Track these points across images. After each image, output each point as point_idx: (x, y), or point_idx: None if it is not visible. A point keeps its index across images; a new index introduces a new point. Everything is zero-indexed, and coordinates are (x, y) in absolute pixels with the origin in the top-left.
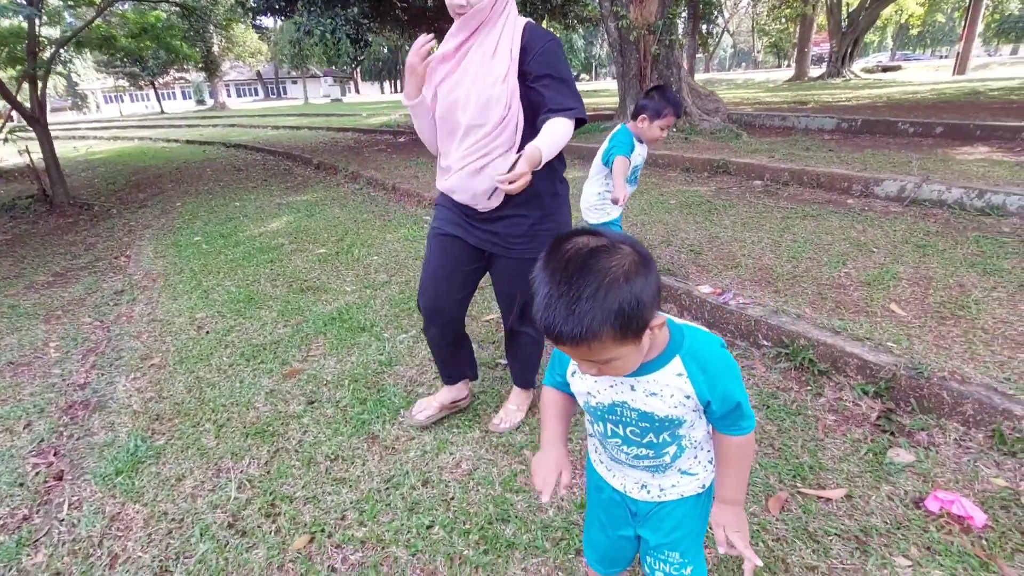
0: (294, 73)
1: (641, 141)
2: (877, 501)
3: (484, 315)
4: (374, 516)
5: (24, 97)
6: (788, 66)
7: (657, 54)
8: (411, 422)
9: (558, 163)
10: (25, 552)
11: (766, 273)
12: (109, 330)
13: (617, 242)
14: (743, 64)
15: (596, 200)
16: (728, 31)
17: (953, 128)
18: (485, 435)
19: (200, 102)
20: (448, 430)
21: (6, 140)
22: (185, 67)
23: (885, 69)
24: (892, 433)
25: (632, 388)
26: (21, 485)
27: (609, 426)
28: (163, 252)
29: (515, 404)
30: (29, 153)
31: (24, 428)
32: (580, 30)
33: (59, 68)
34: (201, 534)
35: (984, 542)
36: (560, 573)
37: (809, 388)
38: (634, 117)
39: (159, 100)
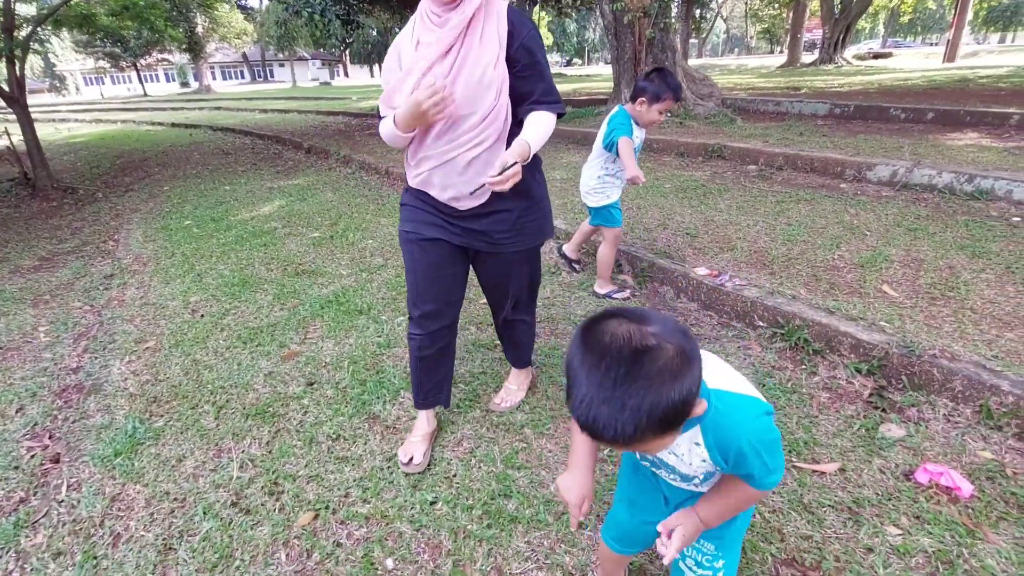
0: (281, 56)
1: (638, 124)
2: (869, 474)
3: (481, 297)
4: (377, 493)
5: (1, 78)
6: (781, 52)
7: (652, 37)
8: (408, 471)
9: (539, 153)
10: (24, 533)
11: (761, 256)
12: (100, 314)
13: (662, 337)
14: (736, 50)
15: (596, 183)
16: (722, 16)
17: (944, 114)
18: (486, 414)
19: (184, 84)
20: (449, 410)
21: None
22: (168, 48)
23: (876, 56)
24: (884, 409)
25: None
26: (16, 468)
27: (646, 464)
28: (153, 236)
29: (515, 384)
30: (9, 135)
31: (16, 412)
32: (573, 14)
33: (35, 47)
34: (204, 513)
35: (971, 511)
36: (562, 546)
37: (804, 367)
38: (632, 99)
39: (142, 82)
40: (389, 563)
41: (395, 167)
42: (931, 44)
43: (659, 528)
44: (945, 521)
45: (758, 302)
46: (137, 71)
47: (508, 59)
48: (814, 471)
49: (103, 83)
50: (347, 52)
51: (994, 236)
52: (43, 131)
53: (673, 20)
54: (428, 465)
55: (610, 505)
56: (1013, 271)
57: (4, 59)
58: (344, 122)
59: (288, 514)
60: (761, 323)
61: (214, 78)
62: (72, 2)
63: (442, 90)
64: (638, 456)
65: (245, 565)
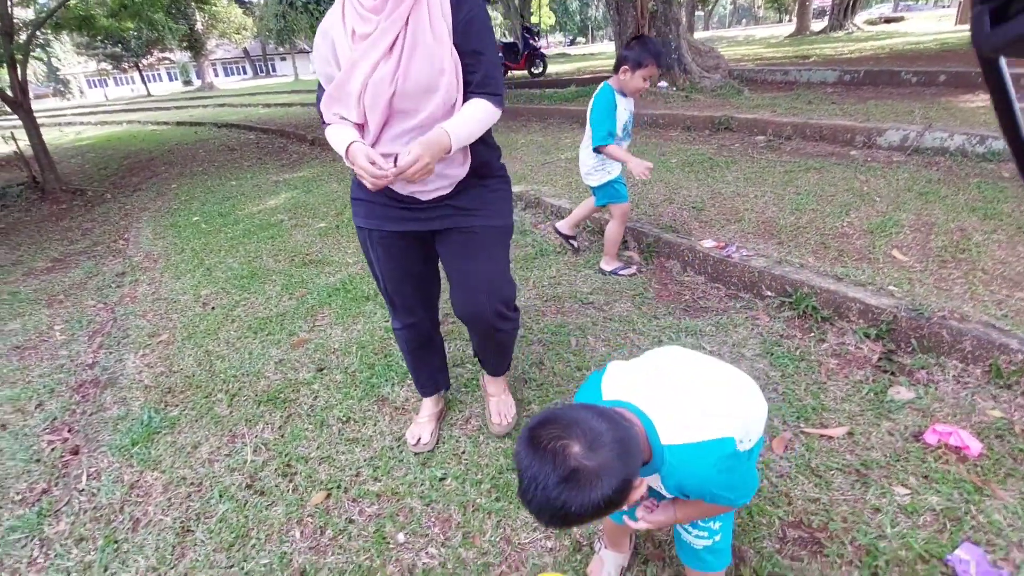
0: (282, 49)
1: (625, 94)
2: (878, 437)
3: None
4: (388, 471)
5: (4, 83)
6: (789, 21)
7: (655, 11)
8: (417, 451)
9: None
10: (47, 522)
11: (769, 226)
12: (114, 311)
13: (585, 458)
14: (743, 21)
15: (594, 162)
16: None
17: (955, 76)
18: None
19: (187, 83)
20: (456, 390)
21: None
22: (169, 47)
23: (888, 20)
24: (893, 373)
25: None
26: (38, 461)
27: None
28: (162, 233)
29: (499, 392)
30: (15, 140)
31: (36, 408)
32: None
33: (37, 52)
34: (220, 495)
35: (979, 469)
36: None
37: (812, 334)
38: (615, 70)
39: (145, 82)
40: (400, 537)
41: None
42: (943, 7)
43: (637, 516)
44: (953, 480)
45: (766, 272)
46: (140, 71)
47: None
48: (822, 436)
49: (106, 85)
50: None
51: (1006, 197)
52: (50, 135)
53: None
54: (436, 444)
55: None
56: None
57: (5, 64)
58: None
59: (301, 494)
60: (769, 293)
61: (216, 75)
62: (70, 3)
63: (385, 177)
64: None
65: (261, 543)
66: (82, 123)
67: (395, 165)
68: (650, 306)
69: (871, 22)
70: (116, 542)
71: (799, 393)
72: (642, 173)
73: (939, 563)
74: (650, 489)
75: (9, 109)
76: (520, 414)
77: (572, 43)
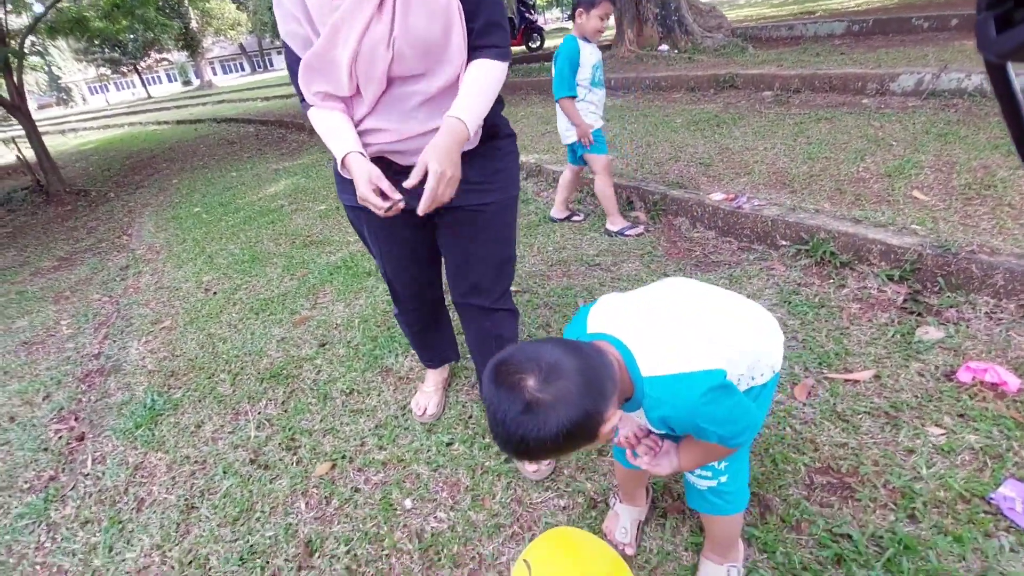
0: (278, 43)
1: (587, 39)
2: (907, 378)
3: None
4: (393, 439)
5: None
6: None
7: None
8: (424, 421)
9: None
10: (53, 507)
11: (781, 176)
12: (118, 303)
13: (544, 391)
14: None
15: (568, 121)
16: None
17: (969, 19)
18: None
19: (187, 83)
20: (463, 357)
21: None
22: (166, 47)
23: None
24: (920, 314)
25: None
26: (45, 450)
27: None
28: (164, 226)
29: None
30: (17, 145)
31: (43, 399)
32: None
33: (36, 60)
34: (224, 472)
35: (1019, 404)
36: (581, 475)
37: (831, 281)
38: (572, 17)
39: (144, 85)
40: (408, 503)
41: None
42: None
43: (638, 454)
44: (992, 417)
45: (779, 220)
46: (139, 74)
47: None
48: (847, 380)
49: (107, 91)
50: None
51: None
52: (54, 141)
53: None
54: (443, 413)
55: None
56: None
57: (3, 70)
58: None
59: (306, 466)
60: (784, 242)
61: (215, 73)
62: (61, 5)
63: (395, 205)
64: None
65: (265, 516)
66: (85, 128)
67: (390, 169)
68: (659, 264)
69: None
70: (121, 523)
71: (820, 340)
72: (582, 135)
73: (981, 502)
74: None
75: (9, 115)
76: None
77: (571, 17)
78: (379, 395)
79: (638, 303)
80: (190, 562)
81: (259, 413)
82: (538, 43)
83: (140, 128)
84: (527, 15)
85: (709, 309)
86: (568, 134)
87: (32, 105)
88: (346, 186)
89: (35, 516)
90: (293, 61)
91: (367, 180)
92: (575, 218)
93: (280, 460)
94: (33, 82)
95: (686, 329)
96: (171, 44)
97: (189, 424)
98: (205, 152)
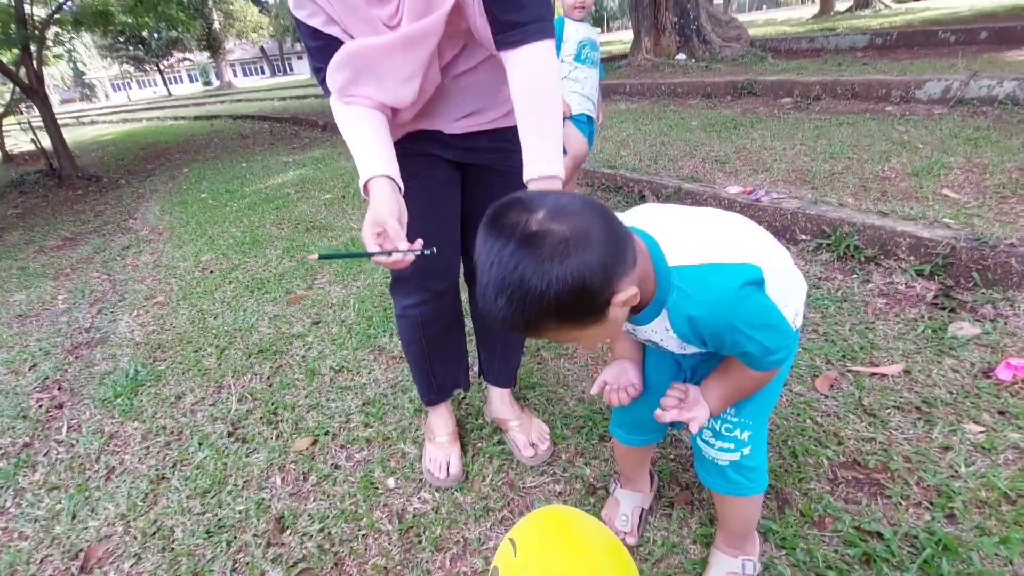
0: (299, 47)
1: (572, 18)
2: (940, 374)
3: None
4: (381, 417)
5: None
6: (813, 2)
7: None
8: (446, 485)
9: None
10: (22, 472)
11: (801, 174)
12: (115, 280)
13: (549, 221)
14: (764, 6)
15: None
16: None
17: (999, 32)
18: None
19: (207, 83)
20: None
21: (10, 113)
22: (189, 47)
23: None
24: (953, 310)
25: (634, 330)
26: (24, 418)
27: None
28: (169, 210)
29: (517, 414)
30: (33, 129)
31: (29, 369)
32: None
33: (59, 51)
34: (200, 443)
35: None
36: (580, 459)
37: (855, 276)
38: None
39: (166, 84)
40: (391, 482)
41: None
42: None
43: (666, 405)
44: None
45: (800, 212)
46: (161, 73)
47: None
48: (873, 374)
49: (130, 88)
50: None
51: None
52: (72, 132)
53: None
54: (466, 475)
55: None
56: None
57: (21, 51)
58: None
59: (286, 441)
60: (804, 236)
61: (235, 75)
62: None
63: (400, 260)
64: (643, 339)
65: (238, 490)
66: (104, 121)
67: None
68: None
69: (900, 0)
70: (87, 490)
71: (843, 333)
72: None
73: None
74: (668, 367)
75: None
76: (527, 361)
77: None
78: (370, 373)
79: (664, 206)
80: (154, 533)
81: (243, 387)
82: None
83: (158, 123)
84: None
85: (743, 220)
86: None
87: (55, 99)
88: None
89: (3, 481)
90: (317, 42)
91: (371, 220)
92: None
93: (259, 434)
94: (59, 76)
95: (718, 226)
96: (193, 44)
97: (169, 395)
98: (218, 145)
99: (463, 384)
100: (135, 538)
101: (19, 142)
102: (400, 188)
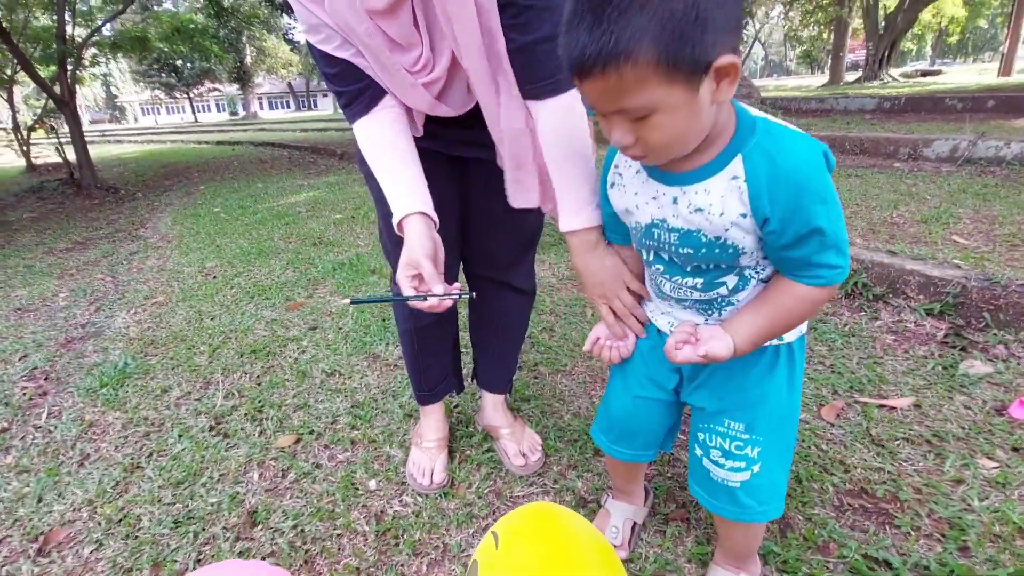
0: (324, 86)
1: None
2: (951, 409)
3: None
4: (368, 420)
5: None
6: (822, 73)
7: None
8: (429, 491)
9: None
10: None
11: None
12: (118, 281)
13: None
14: (775, 74)
15: None
16: (759, 41)
17: (1006, 102)
18: None
19: (233, 113)
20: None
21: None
22: (220, 78)
23: (924, 74)
24: (963, 349)
25: (675, 201)
26: (6, 404)
27: (652, 252)
28: (181, 221)
29: (509, 421)
30: (58, 136)
31: (20, 359)
32: None
33: (95, 72)
34: (180, 436)
35: None
36: (572, 472)
37: (863, 312)
38: None
39: (194, 111)
40: (372, 484)
41: None
42: (983, 61)
43: (673, 345)
44: None
45: None
46: (190, 100)
47: None
48: (882, 405)
49: (158, 113)
50: None
51: None
52: (98, 149)
53: None
54: (451, 482)
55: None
56: None
57: (58, 66)
58: None
59: (268, 438)
60: None
61: (261, 107)
62: (127, 26)
63: (437, 304)
64: (642, 231)
65: (212, 482)
66: (130, 141)
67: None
68: None
69: (907, 75)
70: (58, 475)
71: (851, 365)
72: None
73: None
74: (692, 273)
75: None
76: (524, 375)
77: None
78: (362, 378)
79: None
80: (120, 520)
81: (231, 384)
82: None
83: (181, 145)
84: None
85: None
86: None
87: (85, 118)
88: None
89: None
90: (329, 63)
91: (406, 262)
92: None
93: (242, 429)
94: (91, 97)
95: None
96: (224, 76)
97: (155, 388)
98: (237, 167)
99: (455, 384)
100: (99, 524)
101: (44, 153)
102: (435, 222)
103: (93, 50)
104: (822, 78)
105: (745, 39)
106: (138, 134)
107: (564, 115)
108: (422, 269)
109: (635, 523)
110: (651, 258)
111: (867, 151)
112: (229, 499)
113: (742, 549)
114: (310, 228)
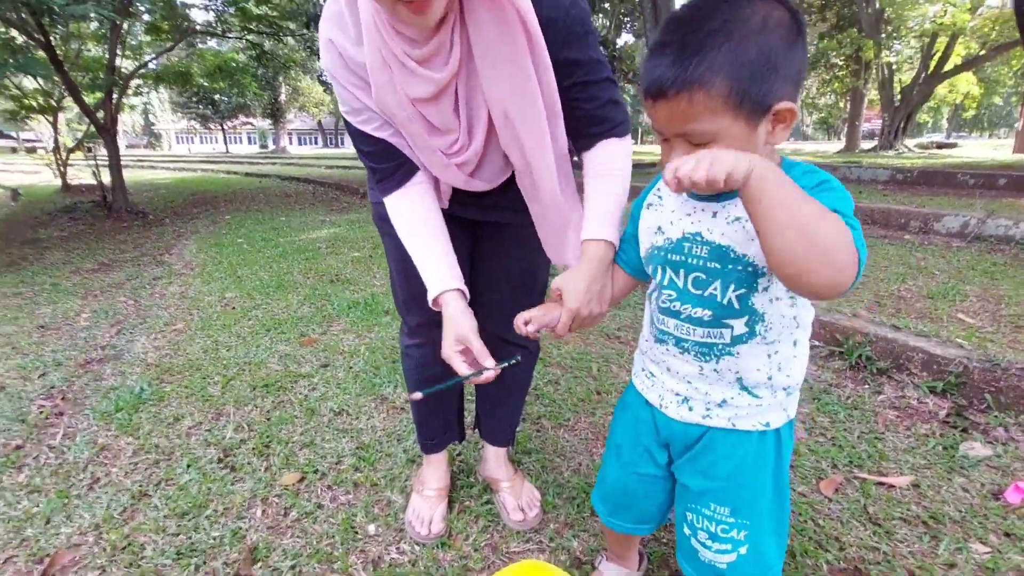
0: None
1: None
2: (949, 491)
3: None
4: (372, 463)
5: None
6: (838, 139)
7: None
8: (426, 541)
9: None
10: (7, 472)
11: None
12: (140, 305)
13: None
14: (792, 138)
15: None
16: None
17: (1018, 180)
18: None
19: (263, 146)
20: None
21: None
22: (254, 113)
23: (940, 146)
24: (965, 429)
25: (714, 216)
26: (23, 421)
27: (668, 273)
28: (205, 249)
29: (510, 476)
30: (96, 159)
31: (39, 377)
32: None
33: (136, 101)
34: (188, 466)
35: None
36: (569, 531)
37: (867, 386)
38: None
39: (226, 142)
40: (371, 528)
41: None
42: (999, 137)
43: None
44: None
45: (813, 318)
46: (223, 132)
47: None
48: (880, 483)
49: (192, 142)
50: None
51: None
52: (131, 173)
53: None
54: (449, 532)
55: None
56: None
57: (104, 95)
58: None
59: (274, 474)
60: (816, 342)
61: (291, 142)
62: (172, 61)
63: (482, 375)
64: (671, 246)
65: (217, 516)
66: (163, 167)
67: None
68: None
69: (922, 146)
70: (68, 497)
71: (852, 440)
72: None
73: None
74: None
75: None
76: (526, 427)
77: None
78: (368, 419)
79: None
80: (124, 547)
81: (242, 417)
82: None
83: (211, 174)
84: None
85: None
86: None
87: (122, 143)
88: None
89: None
90: (367, 143)
91: (454, 339)
92: None
93: (248, 463)
94: (130, 124)
95: None
96: (258, 111)
97: (168, 416)
98: (263, 199)
99: (457, 433)
100: (104, 550)
101: (80, 175)
102: (467, 296)
103: (138, 81)
104: (838, 144)
105: None
106: (171, 161)
107: (620, 153)
108: (472, 345)
109: None
110: (666, 281)
111: (878, 222)
112: (231, 534)
113: None
114: (328, 264)
